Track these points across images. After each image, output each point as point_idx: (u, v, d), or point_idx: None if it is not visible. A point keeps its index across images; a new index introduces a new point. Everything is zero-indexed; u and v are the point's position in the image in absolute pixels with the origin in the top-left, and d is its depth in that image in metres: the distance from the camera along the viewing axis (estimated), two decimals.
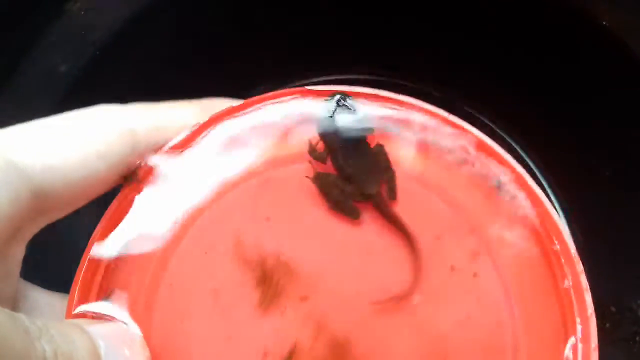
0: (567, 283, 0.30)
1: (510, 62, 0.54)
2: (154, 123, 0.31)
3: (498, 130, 0.59)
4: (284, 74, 0.61)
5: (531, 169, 0.59)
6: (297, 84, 0.62)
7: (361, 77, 0.62)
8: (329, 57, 0.60)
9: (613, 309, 0.49)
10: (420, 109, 0.33)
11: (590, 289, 0.34)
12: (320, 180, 0.33)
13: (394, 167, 0.33)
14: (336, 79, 0.62)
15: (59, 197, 0.28)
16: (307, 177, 0.33)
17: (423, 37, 0.56)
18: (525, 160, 0.59)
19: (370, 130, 0.34)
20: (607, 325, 0.48)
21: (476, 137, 0.33)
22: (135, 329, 0.29)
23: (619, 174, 0.51)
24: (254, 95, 0.62)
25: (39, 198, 0.27)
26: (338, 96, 0.34)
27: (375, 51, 0.59)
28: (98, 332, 0.26)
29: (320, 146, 0.33)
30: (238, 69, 0.58)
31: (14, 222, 0.26)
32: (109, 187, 0.31)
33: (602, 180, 0.52)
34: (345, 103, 0.33)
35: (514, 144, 0.59)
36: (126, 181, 0.31)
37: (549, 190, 0.58)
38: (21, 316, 0.22)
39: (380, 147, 0.34)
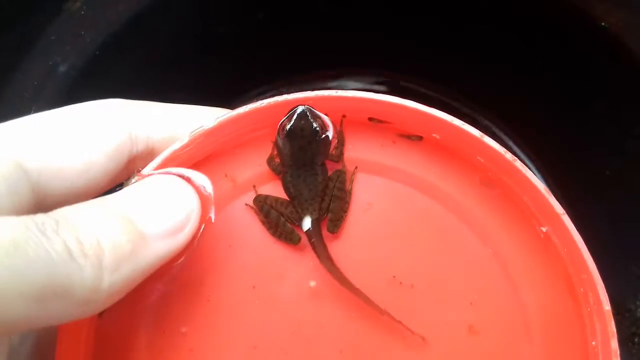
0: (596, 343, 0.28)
1: (510, 63, 0.54)
2: (149, 120, 0.30)
3: (497, 131, 0.59)
4: (285, 74, 0.61)
5: (531, 169, 0.59)
6: (297, 87, 0.62)
7: (359, 78, 0.62)
8: (330, 57, 0.60)
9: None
10: (433, 121, 0.29)
11: None
12: (258, 203, 0.30)
13: (345, 195, 0.30)
14: (335, 81, 0.62)
15: (58, 196, 0.28)
16: (246, 204, 0.31)
17: (422, 37, 0.56)
18: (525, 160, 0.59)
19: (336, 156, 0.31)
20: None
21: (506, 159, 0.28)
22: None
23: (619, 174, 0.51)
24: (254, 95, 0.62)
25: (39, 198, 0.27)
26: (301, 109, 0.29)
27: (374, 51, 0.59)
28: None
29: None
30: (239, 69, 0.58)
31: None
32: (110, 183, 0.30)
33: (602, 180, 0.52)
34: (310, 119, 0.29)
35: (513, 145, 0.59)
36: (124, 186, 0.29)
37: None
38: (34, 216, 0.21)
39: (339, 173, 0.31)
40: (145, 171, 0.28)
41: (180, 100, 0.34)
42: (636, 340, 0.47)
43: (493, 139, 0.31)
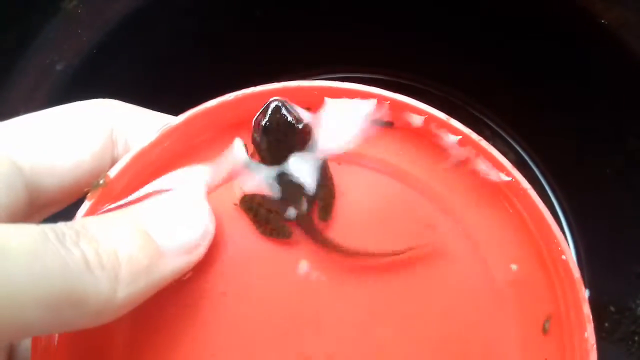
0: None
1: (509, 62, 0.54)
2: (129, 125, 0.31)
3: (498, 130, 0.59)
4: (282, 73, 0.61)
5: (531, 168, 0.59)
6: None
7: (359, 75, 0.62)
8: (328, 56, 0.60)
9: (612, 308, 0.49)
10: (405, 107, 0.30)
11: (590, 288, 0.34)
12: (245, 203, 0.30)
13: (330, 182, 0.30)
14: (335, 77, 0.62)
15: (49, 192, 0.28)
16: (234, 204, 0.30)
17: (423, 36, 0.56)
18: (526, 160, 0.59)
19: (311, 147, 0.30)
20: (606, 324, 0.48)
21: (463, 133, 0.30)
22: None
23: (619, 173, 0.51)
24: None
25: (32, 194, 0.28)
26: (275, 103, 0.29)
27: (373, 49, 0.59)
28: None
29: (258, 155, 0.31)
30: (237, 67, 0.58)
31: (11, 217, 0.27)
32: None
33: (602, 180, 0.52)
34: (284, 112, 0.29)
35: (514, 144, 0.59)
36: (93, 188, 0.29)
37: (548, 190, 0.58)
38: (55, 226, 0.22)
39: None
40: (112, 172, 0.28)
41: (177, 99, 0.33)
42: (636, 338, 0.47)
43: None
